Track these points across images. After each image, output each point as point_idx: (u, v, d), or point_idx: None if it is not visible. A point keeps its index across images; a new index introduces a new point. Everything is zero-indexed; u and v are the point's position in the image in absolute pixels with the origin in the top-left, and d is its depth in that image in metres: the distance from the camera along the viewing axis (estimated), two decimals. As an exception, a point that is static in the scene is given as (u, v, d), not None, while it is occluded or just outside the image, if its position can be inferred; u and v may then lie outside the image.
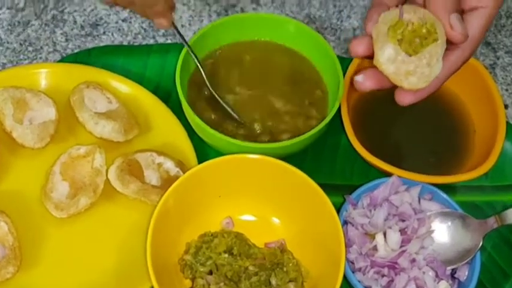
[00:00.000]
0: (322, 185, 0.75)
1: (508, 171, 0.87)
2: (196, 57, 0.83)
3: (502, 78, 0.97)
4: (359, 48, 0.67)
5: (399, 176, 0.77)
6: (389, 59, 0.65)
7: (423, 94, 0.68)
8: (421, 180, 0.78)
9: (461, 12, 0.69)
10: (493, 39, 1.00)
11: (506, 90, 0.96)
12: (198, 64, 0.83)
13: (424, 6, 0.68)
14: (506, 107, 0.94)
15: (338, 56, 0.85)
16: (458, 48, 0.68)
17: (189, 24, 0.98)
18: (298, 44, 0.88)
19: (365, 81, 0.68)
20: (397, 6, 0.68)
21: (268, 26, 0.88)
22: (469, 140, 0.86)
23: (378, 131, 0.85)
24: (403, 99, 0.68)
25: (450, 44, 0.67)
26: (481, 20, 0.68)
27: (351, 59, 0.85)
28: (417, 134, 0.87)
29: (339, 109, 0.81)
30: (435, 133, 0.87)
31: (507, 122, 0.84)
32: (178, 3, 0.96)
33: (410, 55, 0.65)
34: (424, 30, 0.65)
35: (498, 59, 0.99)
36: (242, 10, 1.00)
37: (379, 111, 0.85)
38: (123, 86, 0.86)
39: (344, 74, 0.83)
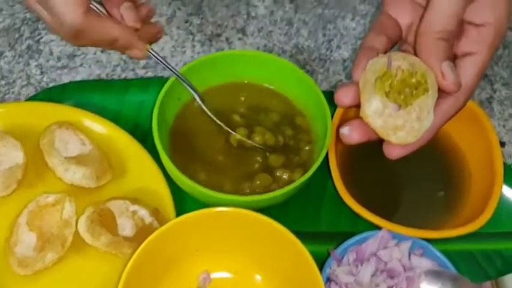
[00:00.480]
0: (306, 234, 0.71)
1: (504, 218, 0.81)
2: (190, 85, 0.77)
3: (499, 112, 0.92)
4: (345, 98, 0.63)
5: (389, 230, 0.72)
6: (377, 112, 0.60)
7: (413, 148, 0.64)
8: (412, 234, 0.73)
9: (454, 57, 0.65)
10: (489, 70, 0.96)
11: (504, 126, 0.91)
12: (194, 93, 0.77)
13: (415, 52, 0.64)
14: (503, 144, 0.89)
15: (325, 91, 0.80)
16: (451, 97, 0.64)
17: (172, 56, 0.93)
18: (286, 86, 0.83)
19: (351, 134, 0.64)
20: (385, 52, 0.64)
21: (254, 67, 0.82)
22: (465, 184, 0.81)
23: (367, 176, 0.80)
24: (392, 152, 0.64)
25: (442, 91, 0.63)
26: (474, 67, 0.64)
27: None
28: (409, 179, 0.82)
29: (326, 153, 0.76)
30: (428, 178, 0.82)
31: (504, 164, 0.79)
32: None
33: (399, 105, 0.61)
34: (413, 80, 0.61)
35: (495, 92, 0.94)
36: (227, 40, 0.96)
37: (368, 156, 0.79)
38: (98, 126, 0.81)
39: (332, 114, 0.78)
